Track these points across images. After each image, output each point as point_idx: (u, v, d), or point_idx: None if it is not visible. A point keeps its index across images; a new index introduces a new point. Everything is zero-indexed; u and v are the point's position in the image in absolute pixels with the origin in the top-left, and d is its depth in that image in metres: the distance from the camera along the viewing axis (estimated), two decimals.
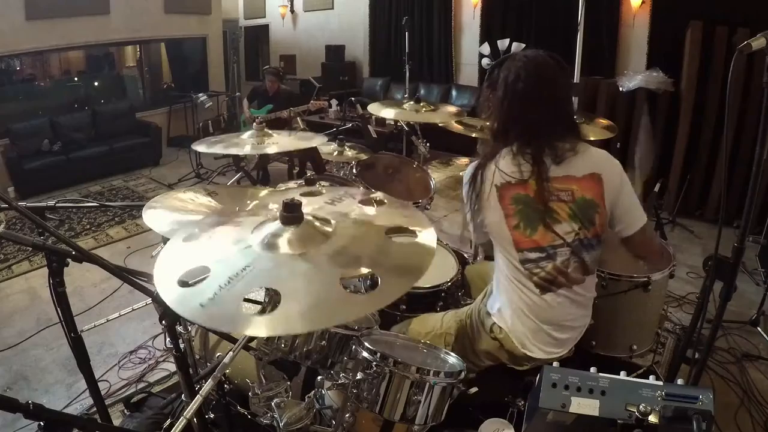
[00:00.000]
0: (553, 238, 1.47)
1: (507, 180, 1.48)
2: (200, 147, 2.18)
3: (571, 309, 1.55)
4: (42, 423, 1.05)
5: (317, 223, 1.14)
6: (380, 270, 1.02)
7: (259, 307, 1.12)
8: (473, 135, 2.82)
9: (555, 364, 1.07)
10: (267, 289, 1.11)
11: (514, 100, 1.47)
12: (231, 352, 1.26)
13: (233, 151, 2.21)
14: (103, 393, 1.78)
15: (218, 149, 2.18)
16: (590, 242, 1.48)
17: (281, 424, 1.25)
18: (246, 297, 0.97)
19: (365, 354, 1.25)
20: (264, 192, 1.92)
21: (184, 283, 0.98)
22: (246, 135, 2.25)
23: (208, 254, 1.08)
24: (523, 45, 1.57)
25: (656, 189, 2.88)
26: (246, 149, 2.18)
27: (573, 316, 1.57)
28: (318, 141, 2.44)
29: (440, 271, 2.12)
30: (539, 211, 1.46)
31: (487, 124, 1.61)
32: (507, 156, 1.49)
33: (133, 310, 2.75)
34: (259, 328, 0.93)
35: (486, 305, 1.66)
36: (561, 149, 1.46)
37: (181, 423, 1.13)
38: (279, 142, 2.20)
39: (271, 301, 1.10)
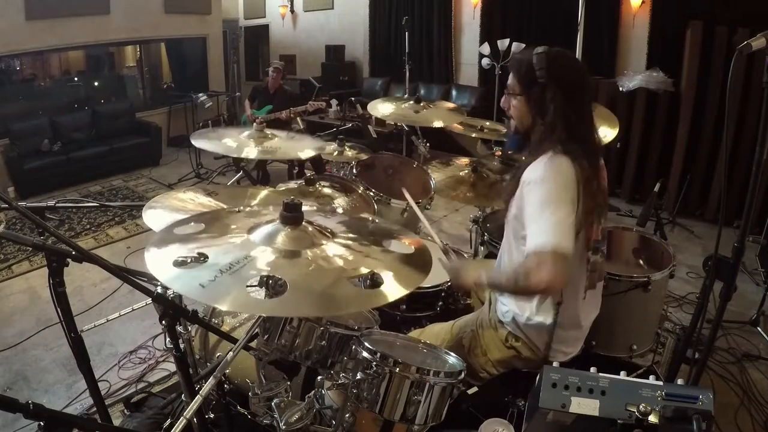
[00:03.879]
0: (600, 230, 1.48)
1: (587, 174, 1.38)
2: (198, 141, 2.17)
3: (596, 308, 1.60)
4: (42, 423, 1.05)
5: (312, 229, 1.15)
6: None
7: (264, 291, 1.14)
8: (473, 135, 2.82)
9: (555, 364, 1.07)
10: (271, 276, 1.12)
11: (580, 94, 1.42)
12: (231, 352, 1.26)
13: (230, 150, 2.20)
14: (103, 393, 1.78)
15: (216, 145, 2.18)
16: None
17: (281, 424, 1.25)
18: (249, 283, 1.00)
19: (365, 354, 1.25)
20: (264, 192, 1.93)
21: (179, 263, 1.00)
22: (245, 134, 2.24)
23: (205, 246, 1.10)
24: (523, 45, 1.55)
25: (656, 189, 2.88)
26: (245, 151, 2.17)
27: (594, 314, 1.60)
28: (312, 151, 2.37)
29: (440, 271, 2.11)
30: (601, 205, 1.44)
31: (520, 121, 1.50)
32: (580, 149, 1.39)
33: (133, 310, 2.76)
34: (267, 308, 0.98)
35: (498, 314, 1.61)
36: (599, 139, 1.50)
37: (181, 423, 1.13)
38: (277, 148, 2.21)
39: (277, 286, 1.11)
